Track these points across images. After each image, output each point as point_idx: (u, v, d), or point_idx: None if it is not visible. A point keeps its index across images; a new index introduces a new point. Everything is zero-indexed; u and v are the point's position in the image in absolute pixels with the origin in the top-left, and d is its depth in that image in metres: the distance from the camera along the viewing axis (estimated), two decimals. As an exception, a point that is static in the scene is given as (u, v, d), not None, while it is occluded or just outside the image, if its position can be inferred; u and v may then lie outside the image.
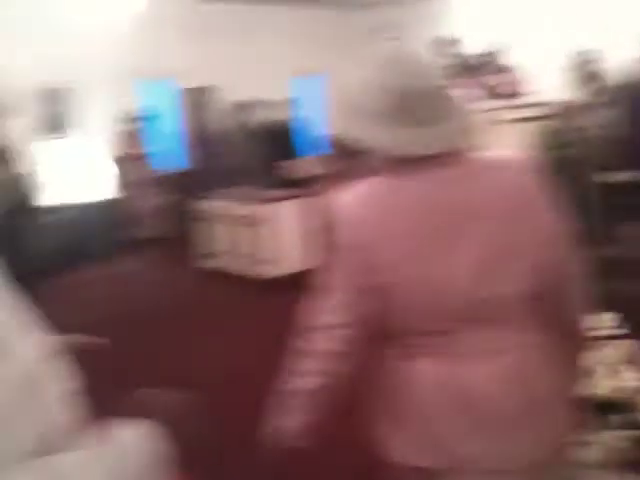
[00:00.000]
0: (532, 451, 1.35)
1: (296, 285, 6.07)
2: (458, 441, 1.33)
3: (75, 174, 7.49)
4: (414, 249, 1.31)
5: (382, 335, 1.41)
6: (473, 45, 7.53)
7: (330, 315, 1.37)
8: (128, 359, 4.31)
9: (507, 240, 1.31)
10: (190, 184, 7.55)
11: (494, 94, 6.47)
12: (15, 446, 0.75)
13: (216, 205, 6.31)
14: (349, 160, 7.74)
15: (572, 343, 1.45)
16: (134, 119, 7.45)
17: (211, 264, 6.35)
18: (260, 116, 8.28)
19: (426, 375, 1.35)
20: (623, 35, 6.45)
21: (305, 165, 7.40)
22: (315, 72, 9.66)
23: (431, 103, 1.30)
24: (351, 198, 1.36)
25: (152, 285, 6.30)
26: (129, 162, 7.30)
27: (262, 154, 7.75)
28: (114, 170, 7.32)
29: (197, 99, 8.64)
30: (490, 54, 7.22)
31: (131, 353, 4.46)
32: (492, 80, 6.72)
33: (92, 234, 7.13)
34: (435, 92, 1.30)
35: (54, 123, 7.45)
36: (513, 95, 6.55)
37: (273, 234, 5.89)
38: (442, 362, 1.34)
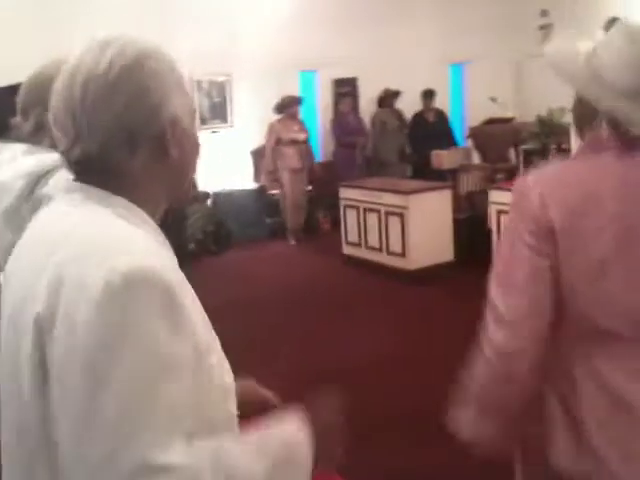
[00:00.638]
0: None
1: (442, 277, 6.09)
2: (621, 461, 1.24)
3: (232, 162, 7.87)
4: (614, 238, 1.20)
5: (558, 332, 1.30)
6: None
7: (510, 305, 1.26)
8: (276, 340, 4.53)
9: None
10: (338, 172, 7.66)
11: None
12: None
13: (364, 194, 6.35)
14: (488, 154, 7.43)
15: None
16: (295, 101, 7.43)
17: (359, 253, 6.42)
18: (409, 106, 8.23)
19: (595, 379, 1.26)
20: None
21: (453, 156, 7.26)
22: (465, 60, 9.41)
23: None
24: (548, 176, 1.28)
25: (299, 270, 6.51)
26: (289, 147, 7.29)
27: (415, 143, 7.70)
28: (269, 157, 7.40)
29: (344, 90, 8.73)
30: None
31: (278, 334, 4.68)
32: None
33: (245, 219, 7.47)
34: None
35: (215, 113, 7.89)
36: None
37: (421, 225, 5.83)
38: (612, 368, 1.25)
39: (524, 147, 6.27)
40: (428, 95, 8.11)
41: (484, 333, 1.31)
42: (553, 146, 5.84)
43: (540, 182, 1.26)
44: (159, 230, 0.94)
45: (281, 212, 7.55)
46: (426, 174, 7.04)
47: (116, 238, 0.84)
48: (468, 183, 6.93)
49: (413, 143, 8.02)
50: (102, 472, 0.74)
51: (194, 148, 0.99)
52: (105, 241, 0.83)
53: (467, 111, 9.61)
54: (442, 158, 7.00)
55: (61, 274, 0.80)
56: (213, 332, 0.93)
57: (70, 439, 0.77)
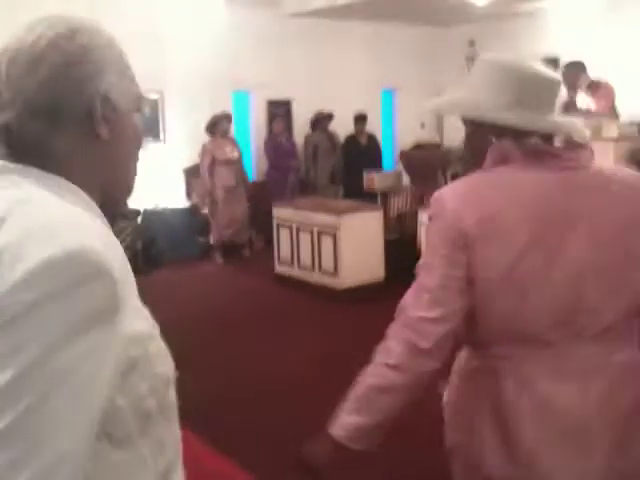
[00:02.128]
0: (612, 471, 1.31)
1: (372, 296, 6.19)
2: (543, 457, 1.30)
3: (163, 179, 7.77)
4: (523, 244, 1.27)
5: (473, 339, 1.37)
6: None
7: (422, 309, 1.31)
8: (202, 359, 4.47)
9: (623, 250, 1.28)
10: (274, 193, 7.69)
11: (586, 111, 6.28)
12: None
13: (297, 214, 6.40)
14: (417, 177, 7.69)
15: None
16: (225, 118, 7.41)
17: (289, 271, 6.44)
18: (342, 129, 8.37)
19: (519, 381, 1.31)
20: None
21: (384, 178, 7.42)
22: (396, 87, 9.68)
23: (546, 95, 1.33)
24: (462, 189, 1.33)
25: (230, 289, 6.46)
26: (223, 167, 7.29)
27: (347, 165, 7.83)
28: (205, 178, 7.38)
29: (278, 111, 8.81)
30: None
31: (205, 354, 4.62)
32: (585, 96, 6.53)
33: (176, 238, 7.38)
34: (547, 85, 1.34)
35: (147, 129, 7.80)
36: (605, 112, 6.34)
37: (353, 244, 5.92)
38: (535, 370, 1.31)
39: (451, 172, 6.51)
40: (360, 119, 8.29)
41: (391, 332, 1.36)
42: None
43: (454, 196, 1.32)
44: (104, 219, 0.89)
45: (213, 230, 7.51)
46: (358, 196, 7.16)
47: (62, 217, 0.78)
48: (398, 205, 7.09)
49: (345, 165, 8.16)
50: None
51: (132, 136, 0.94)
52: (49, 221, 0.77)
53: (397, 135, 9.87)
54: (374, 180, 7.15)
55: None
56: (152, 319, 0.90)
57: None
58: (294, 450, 1.40)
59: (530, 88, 1.31)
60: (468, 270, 1.28)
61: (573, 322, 1.29)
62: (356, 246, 5.89)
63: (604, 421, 1.30)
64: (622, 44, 7.84)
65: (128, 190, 0.98)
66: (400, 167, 8.38)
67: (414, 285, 1.36)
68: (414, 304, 1.32)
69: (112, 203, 0.94)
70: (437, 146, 8.52)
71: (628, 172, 1.39)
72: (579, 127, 1.38)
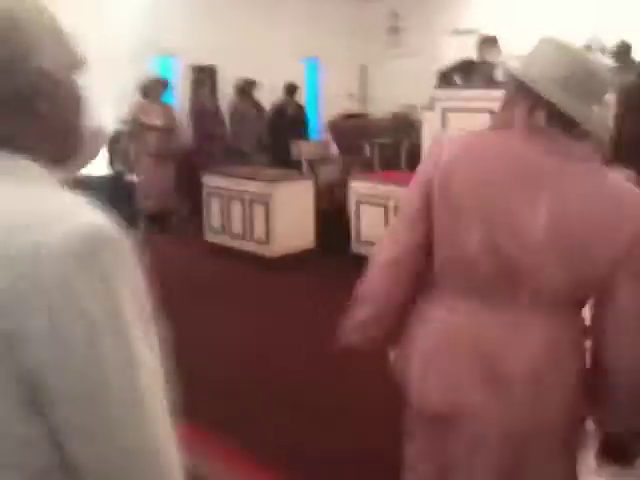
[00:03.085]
0: (533, 415, 1.43)
1: (304, 264, 6.30)
2: (466, 390, 1.44)
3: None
4: (483, 202, 1.39)
5: (431, 272, 1.53)
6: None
7: (396, 231, 1.56)
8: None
9: (579, 234, 1.37)
10: (200, 160, 7.60)
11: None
12: None
13: (228, 182, 6.38)
14: (346, 147, 7.80)
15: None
16: (161, 84, 7.22)
17: (220, 240, 6.44)
18: (266, 97, 8.34)
19: (456, 323, 1.46)
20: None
21: (312, 147, 7.50)
22: (320, 57, 9.71)
23: (595, 84, 1.39)
24: (447, 142, 1.47)
25: (158, 258, 6.38)
26: (150, 133, 7.11)
27: (274, 134, 7.82)
28: (130, 142, 7.17)
29: (203, 77, 8.66)
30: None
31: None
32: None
33: (99, 207, 7.16)
34: (599, 76, 1.40)
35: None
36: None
37: (285, 212, 5.98)
38: (472, 313, 1.44)
39: (378, 141, 6.66)
40: (291, 89, 8.27)
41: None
42: (406, 140, 6.27)
43: (448, 145, 1.46)
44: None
45: (143, 199, 7.35)
46: (284, 164, 7.20)
47: (56, 206, 0.79)
48: (326, 174, 7.20)
49: (272, 134, 8.15)
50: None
51: (74, 102, 0.91)
52: (46, 211, 0.78)
53: (322, 105, 9.93)
54: (301, 149, 7.20)
55: (9, 247, 0.73)
56: None
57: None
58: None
59: (580, 78, 1.37)
60: (430, 209, 1.46)
61: (515, 280, 1.40)
62: (288, 214, 5.97)
63: (524, 373, 1.42)
64: (539, 21, 8.18)
65: (76, 152, 0.95)
66: (327, 137, 8.47)
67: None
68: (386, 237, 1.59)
69: (68, 171, 0.94)
70: (365, 116, 8.66)
71: (619, 180, 1.45)
72: (604, 126, 1.46)
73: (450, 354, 1.48)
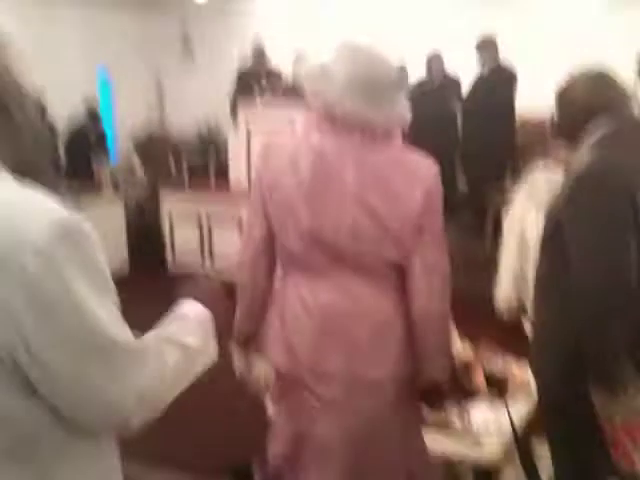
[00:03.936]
0: (371, 370, 1.70)
1: (119, 287, 6.05)
2: (309, 349, 1.72)
3: None
4: (302, 195, 1.65)
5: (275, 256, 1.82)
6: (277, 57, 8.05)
7: (246, 231, 1.82)
8: None
9: (380, 211, 1.64)
10: None
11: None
12: None
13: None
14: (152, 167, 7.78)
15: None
16: None
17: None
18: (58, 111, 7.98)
19: (296, 294, 1.74)
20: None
21: (113, 168, 7.38)
22: (112, 71, 9.50)
23: (382, 89, 1.63)
24: (273, 145, 1.75)
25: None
26: None
27: (73, 157, 7.54)
28: None
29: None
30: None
31: None
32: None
33: None
34: (385, 80, 1.64)
35: None
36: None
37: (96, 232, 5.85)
38: (310, 287, 1.72)
39: (188, 159, 6.73)
40: (95, 116, 7.98)
41: None
42: (213, 158, 6.43)
43: (273, 150, 1.75)
44: None
45: None
46: (86, 188, 6.97)
47: (27, 199, 0.93)
48: (136, 194, 7.15)
49: (70, 158, 7.83)
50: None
51: (38, 116, 1.06)
52: (20, 202, 0.92)
53: (118, 120, 9.67)
54: (107, 171, 7.07)
55: None
56: None
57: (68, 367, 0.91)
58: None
59: (372, 79, 1.61)
60: (266, 205, 1.73)
61: (339, 259, 1.69)
62: (100, 234, 5.84)
63: (356, 327, 1.70)
64: (317, 46, 8.78)
65: (34, 168, 1.06)
66: (128, 155, 8.39)
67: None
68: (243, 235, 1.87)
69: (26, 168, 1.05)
70: (168, 137, 8.71)
71: (413, 156, 1.72)
72: (400, 118, 1.68)
73: (299, 322, 1.75)
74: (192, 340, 1.11)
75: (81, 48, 9.04)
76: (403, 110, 1.69)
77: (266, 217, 1.74)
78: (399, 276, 1.73)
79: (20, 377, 0.90)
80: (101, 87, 9.59)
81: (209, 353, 1.16)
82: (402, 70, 6.38)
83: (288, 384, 1.79)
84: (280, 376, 1.80)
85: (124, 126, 9.37)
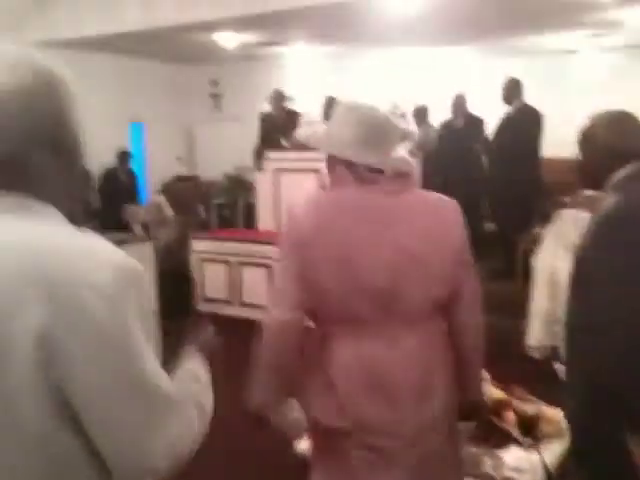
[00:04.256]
0: (420, 420, 1.71)
1: None
2: (361, 406, 1.69)
3: None
4: (344, 250, 1.65)
5: (313, 319, 1.77)
6: (304, 103, 8.24)
7: (276, 303, 1.70)
8: None
9: (420, 252, 1.68)
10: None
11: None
12: None
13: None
14: (180, 208, 7.94)
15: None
16: None
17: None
18: (94, 161, 8.24)
19: (343, 352, 1.70)
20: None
21: (143, 211, 7.53)
22: (144, 121, 9.80)
23: (386, 137, 1.71)
24: (307, 205, 1.72)
25: None
26: None
27: (104, 199, 7.74)
28: None
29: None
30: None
31: None
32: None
33: None
34: (388, 129, 1.72)
35: None
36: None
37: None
38: (357, 343, 1.69)
39: (216, 202, 6.87)
40: (124, 156, 8.24)
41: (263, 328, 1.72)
42: (241, 199, 6.55)
43: (300, 208, 1.72)
44: None
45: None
46: (116, 229, 7.13)
47: (89, 243, 0.96)
48: (163, 236, 7.25)
49: (103, 198, 8.04)
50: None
51: (83, 169, 1.11)
52: (83, 246, 0.95)
53: (149, 168, 9.98)
54: (134, 213, 7.21)
55: (51, 283, 0.88)
56: None
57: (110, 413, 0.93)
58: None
59: (372, 131, 1.70)
60: (304, 268, 1.67)
61: (386, 306, 1.69)
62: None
63: (406, 379, 1.70)
64: (348, 90, 9.03)
65: (80, 211, 1.12)
66: (158, 200, 8.54)
67: (273, 283, 1.76)
68: (271, 303, 1.72)
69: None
70: (194, 178, 8.87)
71: (435, 195, 1.81)
72: (404, 161, 1.76)
73: (348, 379, 1.71)
74: (204, 400, 1.14)
75: (113, 92, 9.34)
76: (407, 158, 1.77)
77: (302, 280, 1.68)
78: (443, 317, 1.81)
79: (67, 410, 0.92)
80: (133, 131, 9.87)
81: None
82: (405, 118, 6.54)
83: (337, 440, 1.74)
84: (327, 433, 1.76)
85: (154, 168, 9.61)
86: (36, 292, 0.88)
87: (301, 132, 1.90)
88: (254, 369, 1.74)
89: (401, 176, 1.73)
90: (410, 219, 1.71)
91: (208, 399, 1.14)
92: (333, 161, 1.75)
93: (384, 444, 1.70)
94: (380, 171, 1.71)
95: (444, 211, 1.76)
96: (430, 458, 1.75)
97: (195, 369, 1.17)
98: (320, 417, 1.74)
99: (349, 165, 1.70)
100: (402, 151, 1.77)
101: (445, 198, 1.79)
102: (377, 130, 1.71)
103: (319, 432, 1.79)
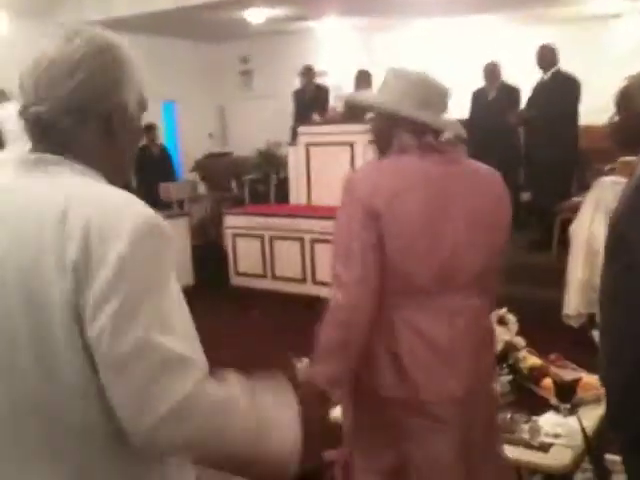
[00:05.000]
0: (472, 387, 1.74)
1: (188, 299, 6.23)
2: (423, 378, 1.70)
3: None
4: (418, 221, 1.64)
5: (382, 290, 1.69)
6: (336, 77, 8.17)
7: (347, 271, 1.63)
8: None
9: (482, 224, 1.70)
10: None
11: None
12: None
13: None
14: (213, 184, 7.96)
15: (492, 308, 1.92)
16: None
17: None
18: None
19: (406, 325, 1.69)
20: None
21: (181, 188, 7.61)
22: (176, 99, 9.85)
23: (439, 97, 1.71)
24: (370, 173, 1.72)
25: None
26: None
27: (140, 176, 7.82)
28: None
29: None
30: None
31: None
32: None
33: None
34: (440, 91, 1.72)
35: None
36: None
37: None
38: (419, 316, 1.70)
39: (249, 177, 6.92)
40: (150, 129, 8.31)
41: (331, 299, 1.67)
42: (274, 174, 6.58)
43: (366, 176, 1.71)
44: None
45: None
46: (154, 206, 7.22)
47: (121, 195, 1.02)
48: (197, 212, 7.34)
49: (137, 175, 8.12)
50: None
51: (137, 135, 1.16)
52: (115, 197, 1.01)
53: (183, 146, 10.05)
54: (170, 190, 7.29)
55: (86, 226, 0.95)
56: None
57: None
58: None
59: (427, 91, 1.69)
60: (378, 238, 1.63)
61: (448, 279, 1.70)
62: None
63: (463, 350, 1.72)
64: (378, 65, 8.89)
65: (124, 179, 1.18)
66: (190, 177, 8.62)
67: (337, 253, 1.68)
68: (342, 270, 1.65)
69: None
70: (227, 154, 8.91)
71: (484, 166, 1.81)
72: (458, 124, 1.79)
73: (411, 351, 1.71)
74: (277, 414, 1.08)
75: (145, 72, 9.38)
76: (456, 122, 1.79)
77: (378, 251, 1.64)
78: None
79: (88, 356, 0.95)
80: (165, 110, 9.94)
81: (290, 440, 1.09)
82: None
83: (397, 408, 1.75)
84: (387, 402, 1.75)
85: (187, 146, 9.68)
86: (72, 232, 0.94)
87: (353, 95, 1.85)
88: (319, 345, 1.68)
89: (455, 143, 1.74)
90: (471, 189, 1.72)
91: (249, 422, 1.04)
92: (388, 126, 1.72)
93: (439, 412, 1.72)
94: (437, 134, 1.70)
95: (496, 183, 1.78)
96: (478, 423, 1.79)
97: (268, 397, 1.10)
98: (380, 388, 1.73)
99: (409, 129, 1.68)
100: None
101: (492, 169, 1.80)
102: (431, 91, 1.70)
103: (374, 401, 1.77)
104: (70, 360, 0.96)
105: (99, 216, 0.96)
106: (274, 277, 6.10)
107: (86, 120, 1.05)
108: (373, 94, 1.80)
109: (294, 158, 6.33)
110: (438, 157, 1.71)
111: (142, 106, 1.15)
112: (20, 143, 1.63)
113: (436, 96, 1.72)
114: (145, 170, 8.00)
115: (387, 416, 1.75)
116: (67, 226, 0.95)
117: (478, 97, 6.84)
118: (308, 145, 6.19)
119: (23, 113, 1.04)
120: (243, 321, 5.23)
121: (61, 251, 0.94)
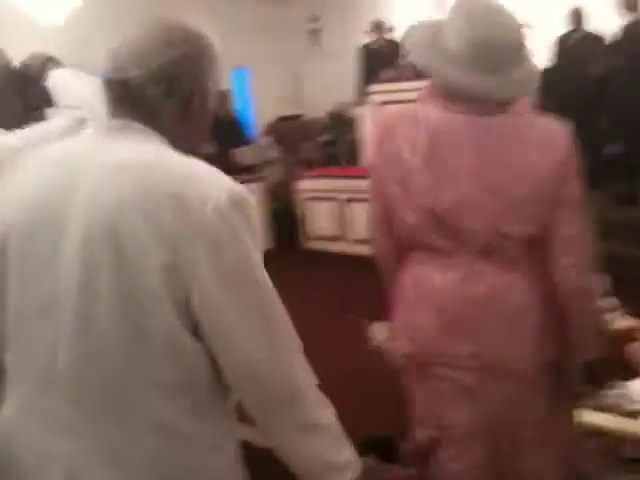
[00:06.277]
0: (505, 359, 1.62)
1: (267, 265, 6.32)
2: (434, 338, 1.65)
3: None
4: (423, 168, 1.56)
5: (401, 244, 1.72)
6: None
7: (373, 225, 1.77)
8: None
9: (514, 189, 1.53)
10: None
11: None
12: None
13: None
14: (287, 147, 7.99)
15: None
16: None
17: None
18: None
19: (420, 279, 1.67)
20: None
21: (255, 152, 7.66)
22: (245, 64, 9.84)
23: (505, 53, 1.51)
24: (386, 121, 1.69)
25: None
26: None
27: (216, 143, 7.93)
28: None
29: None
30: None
31: None
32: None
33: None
34: (509, 43, 1.52)
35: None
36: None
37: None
38: (433, 270, 1.64)
39: (320, 139, 6.89)
40: (220, 95, 8.37)
41: None
42: (345, 136, 6.52)
43: (373, 132, 1.71)
44: None
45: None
46: (230, 171, 7.31)
47: (207, 167, 1.07)
48: (271, 176, 7.39)
49: (215, 142, 8.22)
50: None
51: (208, 121, 1.22)
52: (202, 170, 1.07)
53: (256, 111, 10.08)
54: (244, 155, 7.34)
55: (176, 196, 1.00)
56: None
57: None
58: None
59: (485, 52, 1.51)
60: (379, 189, 1.68)
61: (455, 236, 1.59)
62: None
63: (483, 313, 1.61)
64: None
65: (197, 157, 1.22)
66: (268, 141, 8.67)
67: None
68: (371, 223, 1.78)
69: None
70: (301, 117, 8.90)
71: (543, 119, 1.61)
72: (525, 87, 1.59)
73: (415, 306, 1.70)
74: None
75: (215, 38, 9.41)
76: (529, 77, 1.58)
77: (386, 198, 1.66)
78: (534, 259, 1.63)
79: (189, 318, 1.02)
80: (236, 77, 9.97)
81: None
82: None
83: (421, 368, 1.72)
84: (410, 359, 1.74)
85: (260, 110, 9.71)
86: (166, 203, 1.00)
87: (411, 36, 1.65)
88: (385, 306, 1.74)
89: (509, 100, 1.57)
90: (498, 147, 1.55)
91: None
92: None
93: (458, 376, 1.65)
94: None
95: (545, 141, 1.55)
96: (511, 397, 1.66)
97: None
98: (399, 344, 1.75)
99: (442, 81, 1.57)
100: (524, 71, 1.57)
101: (555, 125, 1.59)
102: (496, 42, 1.51)
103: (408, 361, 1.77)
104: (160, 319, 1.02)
105: (189, 191, 1.02)
106: (350, 240, 6.09)
107: (171, 95, 1.10)
108: (427, 54, 1.58)
109: (364, 118, 6.22)
110: (464, 105, 1.55)
111: (216, 96, 1.22)
112: (67, 110, 1.72)
113: (499, 53, 1.52)
114: (217, 135, 8.10)
115: (418, 375, 1.74)
116: (160, 196, 1.01)
117: (561, 42, 6.50)
118: (379, 104, 6.05)
119: (111, 78, 1.10)
120: (316, 283, 5.27)
121: (159, 221, 1.00)
